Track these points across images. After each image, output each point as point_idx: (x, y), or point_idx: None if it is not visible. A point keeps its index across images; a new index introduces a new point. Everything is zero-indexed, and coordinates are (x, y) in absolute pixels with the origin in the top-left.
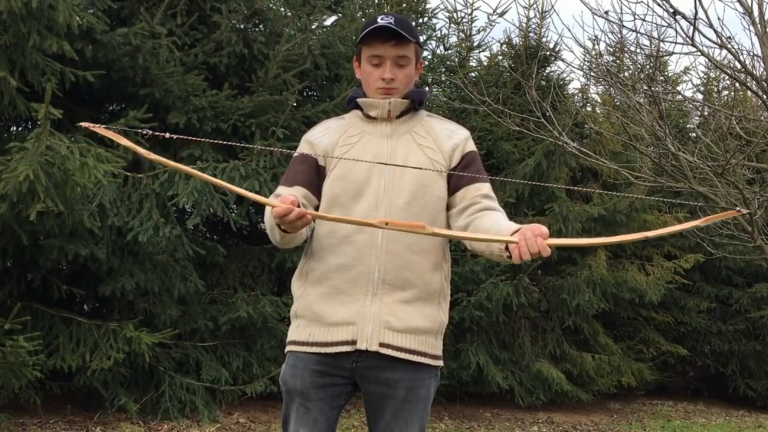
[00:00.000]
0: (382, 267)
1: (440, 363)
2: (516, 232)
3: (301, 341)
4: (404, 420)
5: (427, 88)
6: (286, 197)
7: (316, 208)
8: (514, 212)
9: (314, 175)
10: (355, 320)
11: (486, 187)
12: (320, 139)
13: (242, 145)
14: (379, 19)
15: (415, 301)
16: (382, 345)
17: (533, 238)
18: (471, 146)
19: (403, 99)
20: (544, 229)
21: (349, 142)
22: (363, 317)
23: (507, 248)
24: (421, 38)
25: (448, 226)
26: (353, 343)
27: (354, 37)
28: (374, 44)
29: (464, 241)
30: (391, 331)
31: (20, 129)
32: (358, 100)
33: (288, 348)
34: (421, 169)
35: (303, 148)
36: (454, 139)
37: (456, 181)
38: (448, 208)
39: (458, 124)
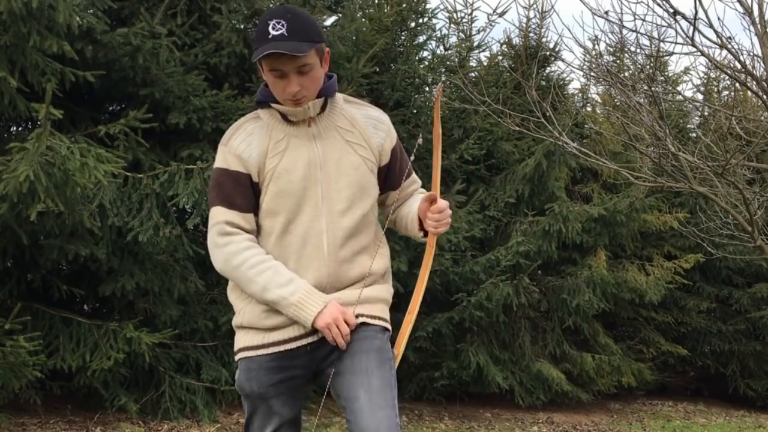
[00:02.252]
0: (332, 275)
1: (390, 328)
2: (418, 222)
3: (256, 345)
4: (363, 371)
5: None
6: (340, 319)
7: (258, 228)
8: (514, 212)
9: (251, 195)
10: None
11: (417, 178)
12: (248, 152)
13: None
14: (270, 29)
15: (359, 286)
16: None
17: (434, 221)
18: (393, 134)
19: (317, 98)
20: (435, 206)
21: (278, 150)
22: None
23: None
24: (420, 38)
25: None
26: (316, 331)
27: (354, 37)
28: (269, 60)
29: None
30: (347, 306)
31: (20, 129)
32: (274, 106)
33: (240, 355)
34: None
35: (232, 163)
36: (379, 130)
37: (392, 178)
38: (385, 202)
39: (373, 107)
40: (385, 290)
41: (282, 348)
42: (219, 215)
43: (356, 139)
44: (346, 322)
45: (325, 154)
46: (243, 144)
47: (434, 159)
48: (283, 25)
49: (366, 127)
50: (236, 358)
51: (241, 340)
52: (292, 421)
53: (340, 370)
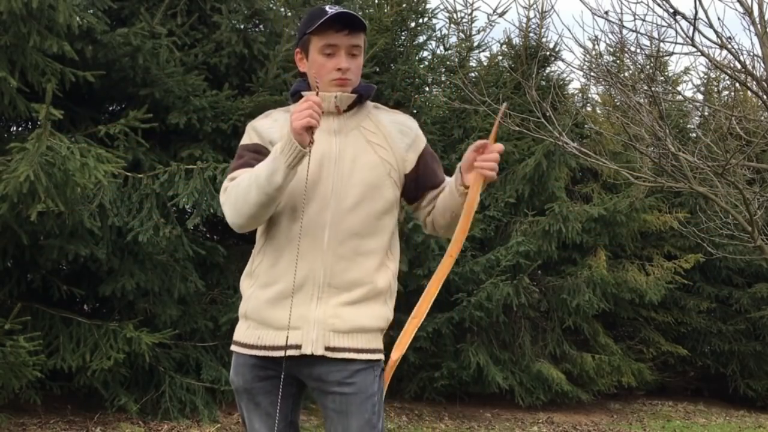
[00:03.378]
0: (328, 270)
1: (380, 356)
2: (461, 176)
3: (243, 343)
4: (344, 413)
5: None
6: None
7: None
8: (514, 212)
9: None
10: (300, 324)
11: (448, 182)
12: (268, 131)
13: None
14: (327, 8)
15: (362, 301)
16: (327, 349)
17: (481, 164)
18: (422, 140)
19: (351, 93)
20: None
21: None
22: (307, 321)
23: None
24: (420, 38)
25: (405, 221)
26: (298, 347)
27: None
28: (328, 33)
29: (434, 221)
30: (337, 334)
31: (20, 129)
32: (305, 94)
33: (232, 347)
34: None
35: (254, 138)
36: (406, 138)
37: (421, 183)
38: (416, 209)
39: (405, 114)
40: (383, 315)
41: (265, 354)
42: (230, 177)
43: (379, 140)
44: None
45: (342, 149)
46: (266, 125)
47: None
48: (339, 7)
49: (391, 131)
50: (231, 348)
51: (237, 331)
52: (290, 424)
53: (323, 402)
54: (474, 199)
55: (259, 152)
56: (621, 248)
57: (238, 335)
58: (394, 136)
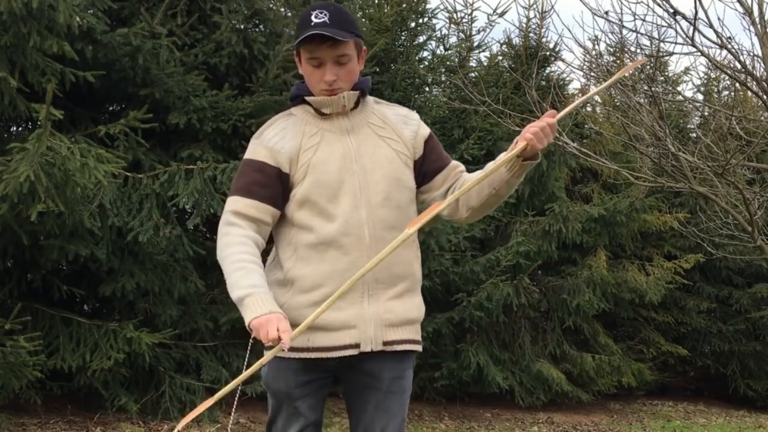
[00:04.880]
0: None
1: (420, 347)
2: (514, 145)
3: (297, 347)
4: (385, 411)
5: (368, 78)
6: (273, 324)
7: (274, 219)
8: (514, 212)
9: (275, 185)
10: (356, 323)
11: (457, 163)
12: (281, 145)
13: None
14: (312, 17)
15: (406, 294)
16: (386, 343)
17: (539, 130)
18: (425, 128)
19: (353, 90)
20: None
21: (311, 143)
22: (363, 319)
23: (518, 157)
24: (420, 38)
25: (418, 212)
26: (357, 346)
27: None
28: (310, 47)
29: (466, 198)
30: (392, 328)
31: (20, 129)
32: (308, 99)
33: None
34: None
35: (260, 154)
36: (410, 125)
37: (429, 167)
38: (427, 191)
39: (403, 107)
40: (422, 305)
41: (318, 355)
42: (230, 205)
43: (389, 134)
44: (277, 330)
45: (359, 147)
46: (276, 137)
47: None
48: (325, 15)
49: (397, 123)
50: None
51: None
52: (315, 424)
53: (366, 397)
54: (502, 162)
55: (263, 172)
56: (621, 248)
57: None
58: (401, 127)
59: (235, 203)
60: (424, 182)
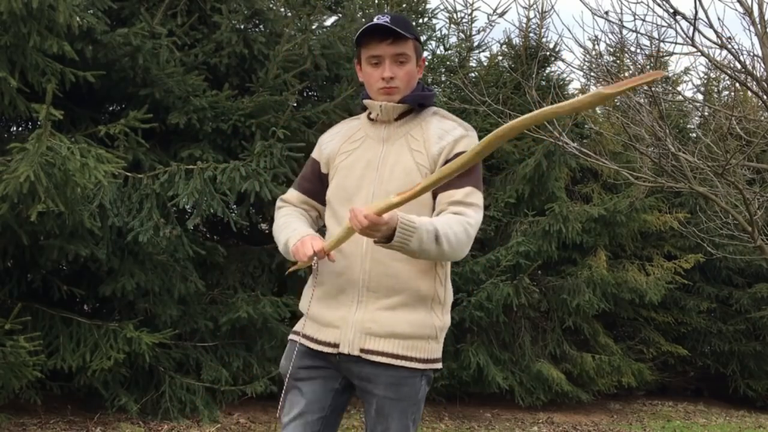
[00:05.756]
0: (366, 275)
1: (432, 366)
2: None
3: (298, 332)
4: (385, 416)
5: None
6: (307, 244)
7: (319, 210)
8: (514, 212)
9: (316, 181)
10: (339, 325)
11: (459, 193)
12: (327, 144)
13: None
14: (375, 19)
15: (400, 308)
16: (363, 351)
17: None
18: (460, 147)
19: (398, 103)
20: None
21: (350, 148)
22: (346, 323)
23: None
24: (422, 38)
25: None
26: (336, 345)
27: (354, 38)
28: (371, 44)
29: None
30: (372, 337)
31: (20, 129)
32: (364, 101)
33: (290, 336)
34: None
35: (314, 152)
36: (443, 141)
37: (439, 188)
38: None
39: (459, 122)
40: (427, 323)
41: (311, 345)
42: (285, 194)
43: (418, 146)
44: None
45: (385, 157)
46: (328, 138)
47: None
48: (387, 17)
49: (431, 137)
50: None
51: (298, 323)
52: (322, 418)
53: (369, 401)
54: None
55: (311, 168)
56: (621, 248)
57: (297, 326)
58: (432, 141)
59: (287, 192)
60: (434, 198)
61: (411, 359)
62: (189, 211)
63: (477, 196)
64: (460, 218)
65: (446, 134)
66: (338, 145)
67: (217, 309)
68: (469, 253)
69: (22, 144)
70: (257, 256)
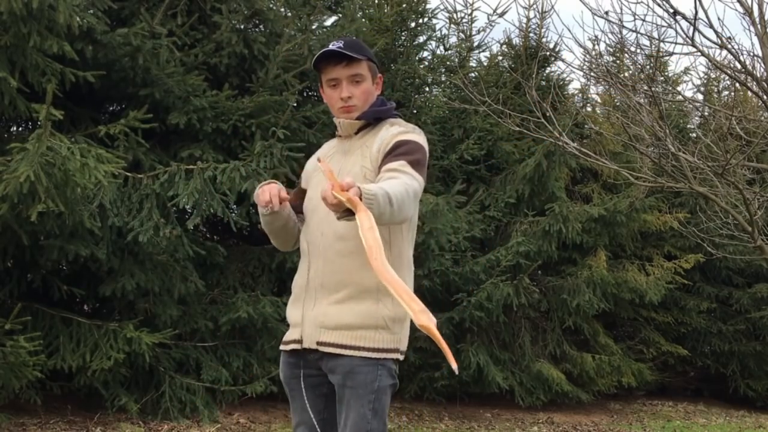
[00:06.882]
0: (320, 272)
1: (387, 355)
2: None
3: (282, 340)
4: (344, 404)
5: (393, 103)
6: (266, 190)
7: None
8: (514, 212)
9: (301, 195)
10: (299, 322)
11: (394, 164)
12: (309, 162)
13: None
14: (330, 45)
15: (347, 301)
16: (318, 343)
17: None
18: (399, 138)
19: (355, 120)
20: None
21: None
22: (304, 319)
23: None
24: (420, 38)
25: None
26: (300, 342)
27: (354, 38)
28: (328, 68)
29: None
30: (325, 330)
31: (20, 129)
32: (335, 120)
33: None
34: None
35: (305, 167)
36: (380, 138)
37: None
38: None
39: (406, 127)
40: (374, 313)
41: (284, 347)
42: None
43: (366, 152)
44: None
45: (344, 167)
46: (313, 156)
47: None
48: (341, 42)
49: (376, 141)
50: None
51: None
52: (321, 422)
53: (338, 392)
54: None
55: (300, 184)
56: (621, 248)
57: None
58: (376, 145)
59: None
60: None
61: (359, 348)
62: (189, 211)
63: (411, 169)
64: (397, 181)
65: (386, 133)
66: (313, 162)
67: (217, 309)
68: (469, 253)
69: (22, 144)
70: (257, 256)
